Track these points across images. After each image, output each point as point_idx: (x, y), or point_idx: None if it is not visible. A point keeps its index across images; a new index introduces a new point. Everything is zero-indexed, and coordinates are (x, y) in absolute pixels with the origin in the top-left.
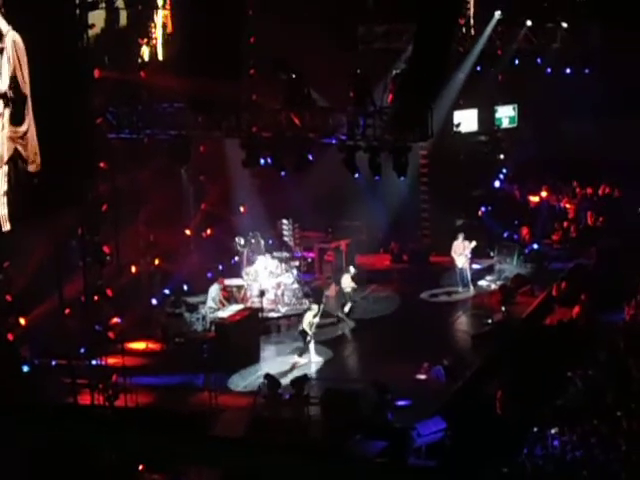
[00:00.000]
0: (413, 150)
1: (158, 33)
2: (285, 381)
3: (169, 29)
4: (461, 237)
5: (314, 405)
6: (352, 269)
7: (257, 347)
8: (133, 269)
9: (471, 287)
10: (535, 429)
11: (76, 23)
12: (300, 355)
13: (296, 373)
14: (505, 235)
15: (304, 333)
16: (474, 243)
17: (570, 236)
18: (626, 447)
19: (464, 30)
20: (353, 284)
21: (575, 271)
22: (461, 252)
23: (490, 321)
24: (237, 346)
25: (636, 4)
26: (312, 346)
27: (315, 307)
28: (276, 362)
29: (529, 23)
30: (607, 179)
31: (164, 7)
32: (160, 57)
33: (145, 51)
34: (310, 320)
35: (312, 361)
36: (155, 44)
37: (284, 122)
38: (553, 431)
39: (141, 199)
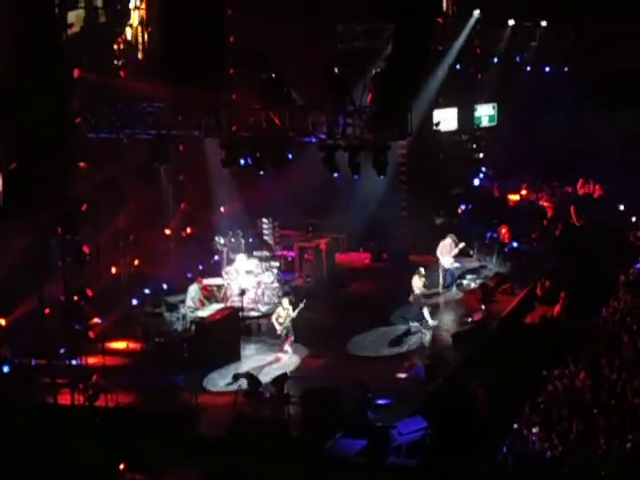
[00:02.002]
0: (393, 149)
1: (137, 33)
2: (266, 380)
3: (147, 29)
4: (450, 238)
5: (295, 404)
6: (422, 270)
7: (237, 346)
8: (113, 269)
9: (454, 288)
10: (515, 427)
11: (55, 22)
12: (279, 351)
13: (277, 372)
14: (487, 235)
15: (283, 327)
16: (462, 244)
17: (550, 234)
18: (605, 444)
19: (443, 29)
20: (422, 286)
21: (555, 270)
22: (448, 253)
23: (470, 320)
24: (217, 345)
25: (612, 2)
26: (291, 342)
27: (285, 301)
28: (256, 361)
29: (511, 22)
30: (587, 176)
31: (141, 6)
32: (139, 56)
33: (124, 50)
34: (284, 315)
35: (289, 356)
36: (134, 43)
37: (264, 121)
38: (533, 429)
39: (121, 199)
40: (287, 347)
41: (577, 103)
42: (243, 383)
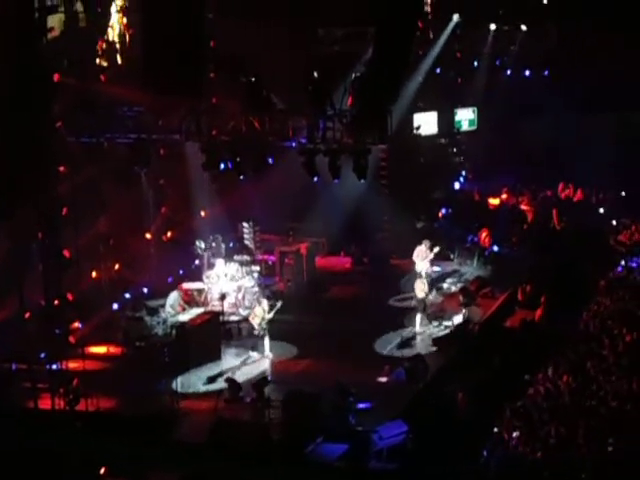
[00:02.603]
0: (373, 153)
1: (117, 37)
2: (246, 384)
3: (128, 32)
4: (425, 243)
5: (275, 408)
6: (423, 273)
7: (218, 350)
8: (94, 273)
9: (434, 292)
10: (496, 430)
11: (35, 27)
12: (253, 349)
13: (255, 373)
14: (468, 239)
15: (252, 327)
16: (437, 249)
17: (530, 238)
18: (586, 448)
19: (423, 33)
20: (424, 291)
21: (536, 273)
22: (424, 257)
23: (451, 323)
24: (198, 349)
25: (593, 6)
26: (267, 342)
27: (264, 301)
28: (236, 364)
29: (493, 27)
30: (567, 180)
31: (122, 11)
32: (119, 61)
33: (104, 55)
34: (261, 315)
35: (266, 356)
36: (114, 48)
37: (244, 126)
38: (514, 433)
39: (101, 203)
40: (263, 348)
41: (558, 107)
42: (220, 385)
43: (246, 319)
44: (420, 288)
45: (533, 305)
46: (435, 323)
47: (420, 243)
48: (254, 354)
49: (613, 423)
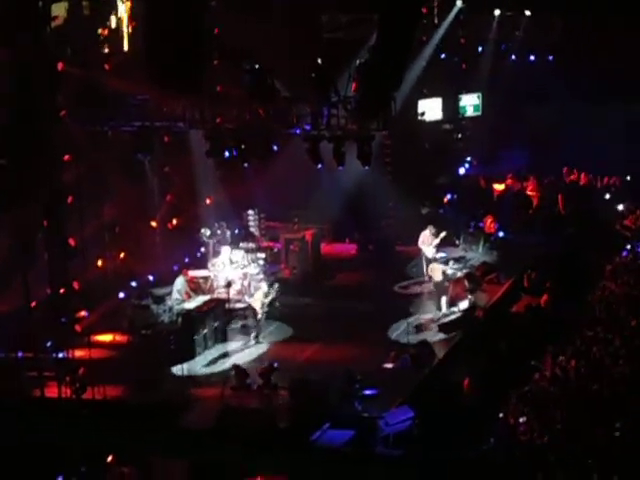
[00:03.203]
0: (377, 139)
1: (121, 25)
2: (253, 371)
3: (132, 21)
4: (430, 229)
5: (282, 395)
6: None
7: (223, 335)
8: (99, 262)
9: (452, 274)
10: (501, 416)
11: (39, 15)
12: (256, 336)
13: (257, 359)
14: (472, 225)
15: (254, 311)
16: (443, 234)
17: (535, 224)
18: (592, 432)
19: (427, 19)
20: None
21: (541, 259)
22: (430, 243)
23: (456, 309)
24: (203, 336)
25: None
26: (264, 326)
27: (264, 285)
28: (243, 353)
29: (497, 12)
30: (572, 165)
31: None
32: (119, 49)
33: (108, 43)
34: (261, 299)
35: (261, 341)
36: (119, 36)
37: (248, 113)
38: (520, 419)
39: (106, 191)
40: (263, 332)
41: (563, 93)
42: (224, 367)
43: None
44: (438, 272)
45: (539, 291)
46: (451, 309)
47: (425, 229)
48: (253, 339)
49: (620, 407)
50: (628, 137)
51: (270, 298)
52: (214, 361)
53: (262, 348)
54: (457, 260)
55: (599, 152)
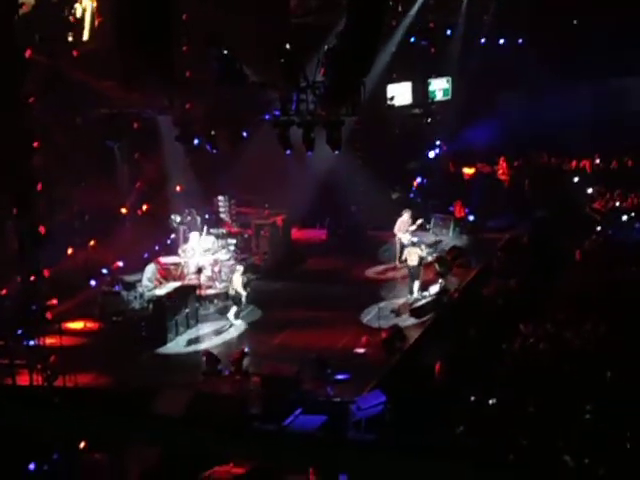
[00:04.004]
0: (347, 124)
1: (87, 11)
2: (224, 357)
3: (97, 10)
4: (406, 214)
5: (254, 381)
6: (406, 242)
7: (195, 323)
8: (69, 249)
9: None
10: (473, 399)
11: (7, 2)
12: (236, 317)
13: (230, 341)
14: (443, 209)
15: (237, 295)
16: (420, 221)
17: (505, 207)
18: (563, 415)
19: (396, 3)
20: (420, 255)
21: (511, 242)
22: (406, 229)
23: (427, 293)
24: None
25: None
26: (239, 309)
27: (240, 267)
28: (214, 339)
29: None
30: (542, 147)
31: None
32: (86, 36)
33: (76, 30)
34: (241, 281)
35: (237, 324)
36: (84, 24)
37: (217, 99)
38: (490, 401)
39: (75, 178)
40: (232, 316)
41: (533, 75)
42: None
43: (222, 293)
44: (415, 255)
45: (509, 274)
46: (422, 293)
47: (400, 214)
48: (236, 322)
49: (590, 390)
50: (596, 119)
51: (239, 283)
52: (185, 347)
53: (233, 334)
54: (430, 245)
55: (568, 134)
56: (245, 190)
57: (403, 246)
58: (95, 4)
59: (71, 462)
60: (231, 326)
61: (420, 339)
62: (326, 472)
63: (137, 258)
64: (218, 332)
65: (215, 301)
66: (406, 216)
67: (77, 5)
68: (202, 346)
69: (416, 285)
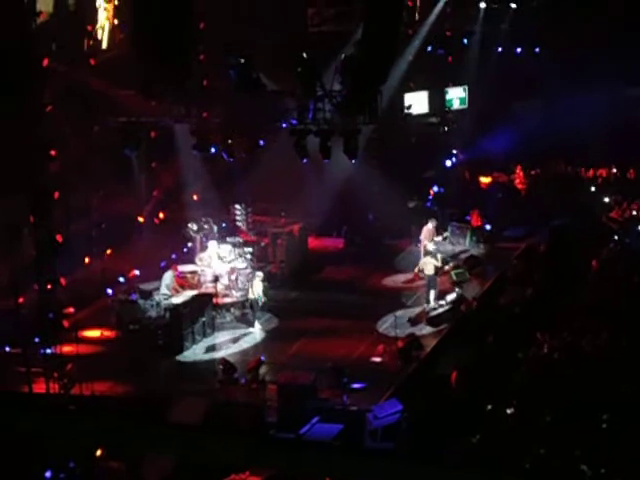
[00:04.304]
0: (364, 133)
1: (105, 19)
2: (241, 365)
3: (116, 15)
4: (431, 223)
5: (271, 389)
6: (435, 251)
7: (211, 332)
8: (86, 258)
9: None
10: (489, 408)
11: (24, 10)
12: (253, 324)
13: (249, 354)
14: (459, 218)
15: (255, 302)
16: (446, 234)
17: (522, 216)
18: (579, 424)
19: (413, 12)
20: (436, 265)
21: (528, 251)
22: (431, 238)
23: (444, 302)
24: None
25: None
26: (260, 315)
27: (260, 274)
28: (231, 347)
29: (483, 5)
30: (559, 156)
31: None
32: (104, 45)
33: (95, 37)
34: (261, 287)
35: (258, 330)
36: (103, 33)
37: (234, 108)
38: (508, 410)
39: (93, 187)
40: (256, 323)
41: (550, 83)
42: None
43: (239, 301)
44: (430, 265)
45: (526, 283)
46: (438, 302)
47: (426, 222)
48: (253, 328)
49: (606, 400)
50: (612, 128)
51: (259, 291)
52: (202, 355)
53: (250, 342)
54: (450, 255)
55: (584, 143)
56: (262, 198)
57: (428, 254)
58: (112, 13)
59: (87, 470)
60: (250, 333)
61: (437, 348)
62: None
63: (154, 266)
64: (235, 340)
65: (232, 309)
66: (431, 225)
67: (98, 14)
68: (219, 354)
69: (432, 294)
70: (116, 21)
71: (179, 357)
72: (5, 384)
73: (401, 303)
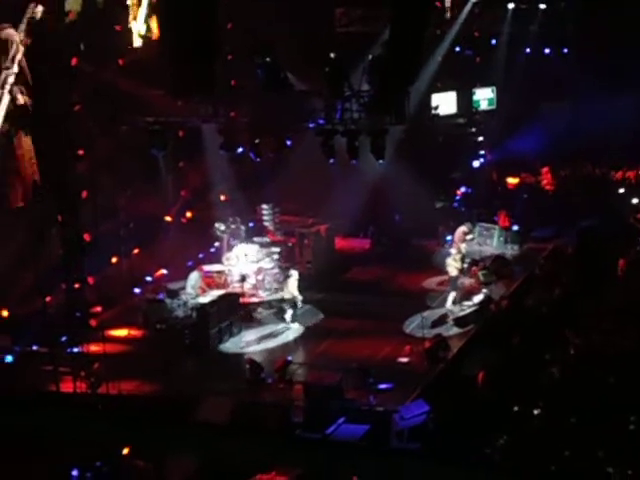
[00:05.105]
0: (391, 133)
1: (134, 19)
2: (268, 365)
3: (146, 15)
4: (465, 226)
5: (297, 389)
6: (457, 253)
7: (238, 332)
8: (114, 257)
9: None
10: (516, 409)
11: (53, 10)
12: (293, 320)
13: (276, 354)
14: (487, 219)
15: (292, 300)
16: (471, 237)
17: (550, 217)
18: (605, 425)
19: (442, 13)
20: (458, 267)
21: (556, 252)
22: (463, 240)
23: (471, 303)
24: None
25: None
26: (298, 312)
27: (294, 272)
28: (257, 346)
29: (511, 6)
30: (587, 157)
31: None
32: (136, 44)
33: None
34: (297, 284)
35: (294, 328)
36: (132, 32)
37: (262, 107)
38: (535, 411)
39: (120, 186)
40: (289, 317)
41: (578, 85)
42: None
43: (266, 301)
44: (453, 266)
45: (553, 284)
46: (465, 303)
47: (461, 224)
48: (293, 325)
49: (634, 401)
50: None
51: (294, 288)
52: (228, 355)
53: (277, 342)
54: (479, 258)
55: (612, 145)
56: (289, 199)
57: (463, 256)
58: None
59: (114, 469)
60: (288, 329)
61: (463, 349)
62: None
63: (181, 266)
64: (261, 340)
65: (259, 309)
66: (464, 227)
67: (129, 13)
68: (245, 354)
69: (450, 297)
70: (144, 21)
71: (206, 356)
72: (33, 383)
73: (428, 303)
